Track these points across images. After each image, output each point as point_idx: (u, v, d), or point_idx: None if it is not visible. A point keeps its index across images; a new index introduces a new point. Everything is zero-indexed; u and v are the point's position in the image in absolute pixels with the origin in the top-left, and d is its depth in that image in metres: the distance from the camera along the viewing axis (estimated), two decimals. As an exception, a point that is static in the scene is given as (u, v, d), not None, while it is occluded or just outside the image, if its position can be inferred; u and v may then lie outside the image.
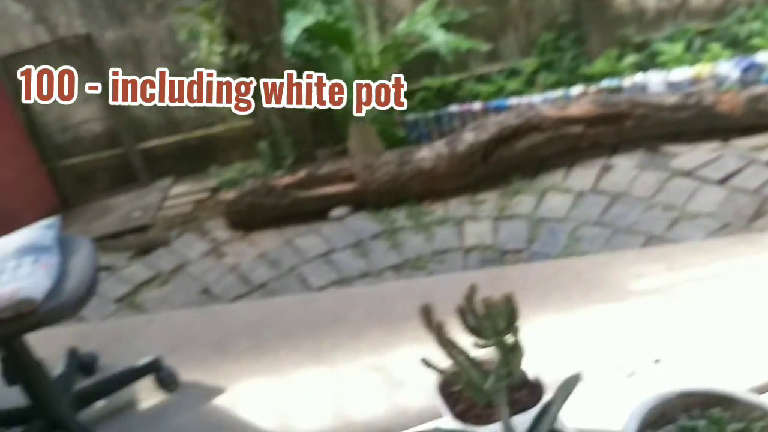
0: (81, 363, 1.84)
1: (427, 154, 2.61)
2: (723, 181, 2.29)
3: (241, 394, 1.63)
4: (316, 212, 2.68)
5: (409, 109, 3.14)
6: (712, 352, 0.77)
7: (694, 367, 0.69)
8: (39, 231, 1.59)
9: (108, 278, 2.56)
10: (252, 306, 2.18)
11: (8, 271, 1.44)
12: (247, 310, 2.14)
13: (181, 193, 3.25)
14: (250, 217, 2.71)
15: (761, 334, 0.80)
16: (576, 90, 2.95)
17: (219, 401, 1.62)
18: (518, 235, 2.28)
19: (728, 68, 2.77)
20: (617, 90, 2.90)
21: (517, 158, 2.62)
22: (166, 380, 1.71)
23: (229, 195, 2.77)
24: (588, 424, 0.57)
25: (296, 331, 1.82)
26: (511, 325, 0.52)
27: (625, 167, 2.53)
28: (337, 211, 2.66)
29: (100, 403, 1.72)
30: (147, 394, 1.72)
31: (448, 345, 0.52)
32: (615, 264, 1.93)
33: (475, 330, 0.53)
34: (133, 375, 1.71)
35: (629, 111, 2.61)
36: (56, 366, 1.72)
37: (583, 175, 2.54)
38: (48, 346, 1.74)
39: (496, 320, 0.52)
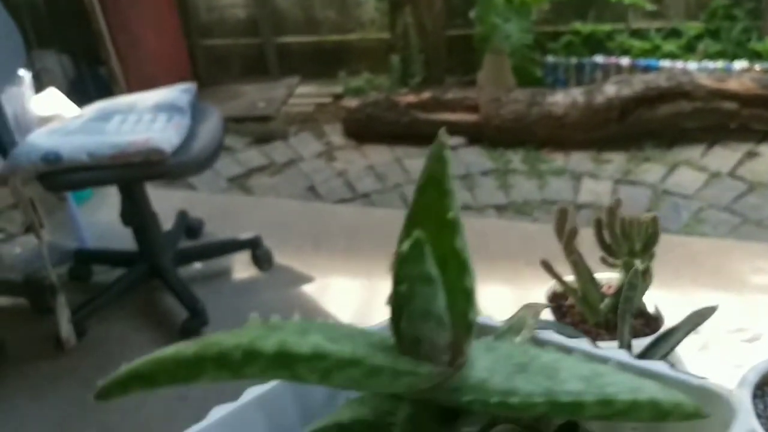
0: (188, 226, 1.96)
1: (560, 99, 2.49)
2: None
3: (328, 286, 1.69)
4: (431, 137, 2.62)
5: (551, 51, 2.99)
6: None
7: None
8: (176, 93, 1.68)
9: (225, 158, 2.68)
10: (353, 211, 2.22)
11: (144, 123, 1.54)
12: (348, 214, 2.18)
13: (306, 94, 3.31)
14: (367, 128, 2.72)
15: None
16: (739, 65, 2.68)
17: (306, 288, 1.69)
18: (638, 202, 2.15)
19: None
20: (786, 73, 2.61)
21: (657, 124, 2.45)
22: (262, 258, 1.79)
23: (351, 103, 2.79)
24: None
25: (390, 244, 1.83)
26: (647, 249, 0.48)
27: (773, 158, 2.31)
28: (452, 140, 2.62)
29: (198, 265, 1.84)
30: (242, 267, 1.82)
31: (574, 253, 0.50)
32: (736, 253, 1.78)
33: (608, 247, 0.50)
34: (234, 246, 1.80)
35: (795, 98, 2.35)
36: (167, 224, 1.84)
37: (723, 156, 2.34)
38: (163, 205, 1.86)
39: (633, 241, 0.49)
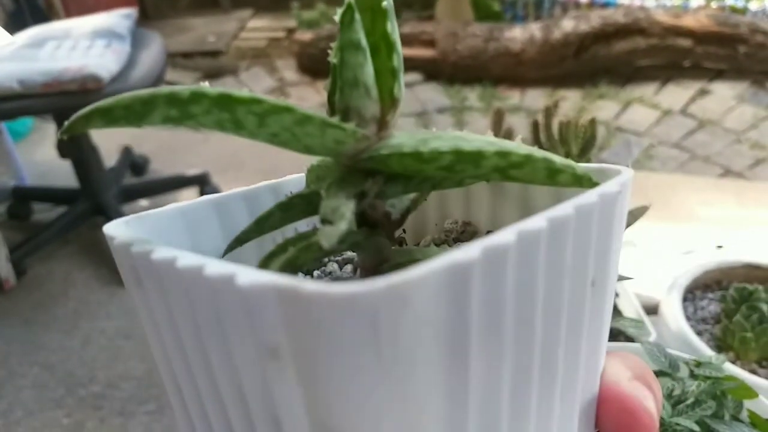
0: (133, 162, 1.89)
1: (518, 35, 2.45)
2: (828, 131, 2.09)
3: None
4: (388, 73, 2.59)
5: (510, -14, 2.93)
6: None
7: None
8: (115, 18, 1.58)
9: (173, 93, 2.58)
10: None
11: (80, 50, 1.45)
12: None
13: (259, 27, 3.19)
14: (322, 63, 2.63)
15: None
16: (696, 2, 2.68)
17: (257, 224, 1.65)
18: (590, 139, 2.17)
19: None
20: (741, 11, 2.62)
21: (612, 60, 2.44)
22: (209, 193, 1.74)
23: (304, 36, 2.69)
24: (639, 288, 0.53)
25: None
26: (585, 153, 0.46)
27: (723, 95, 2.34)
28: (408, 77, 2.57)
29: (144, 202, 1.78)
30: (190, 204, 1.77)
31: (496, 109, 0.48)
32: (683, 187, 1.82)
33: (544, 150, 0.48)
34: (180, 182, 1.75)
35: (747, 36, 2.36)
36: (112, 162, 1.76)
37: (676, 94, 2.35)
38: (108, 142, 1.78)
39: (570, 144, 0.47)
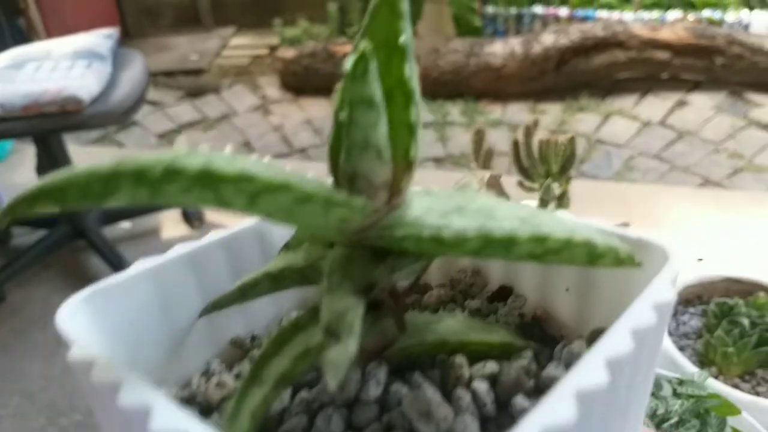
0: (116, 182, 1.87)
1: (499, 49, 2.47)
2: (804, 141, 2.13)
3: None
4: (370, 89, 2.60)
5: (491, 1, 2.96)
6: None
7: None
8: (96, 38, 1.58)
9: (154, 113, 2.56)
10: (289, 166, 2.16)
11: (61, 71, 1.45)
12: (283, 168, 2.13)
13: (241, 45, 3.19)
14: (305, 80, 2.65)
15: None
16: (673, 15, 2.73)
17: (240, 244, 1.64)
18: (572, 152, 2.18)
19: None
20: (717, 23, 2.67)
21: (592, 74, 2.47)
22: (192, 216, 1.73)
23: (287, 53, 2.70)
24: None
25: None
26: (565, 171, 0.47)
27: (701, 106, 2.37)
28: (392, 92, 2.58)
29: (125, 224, 1.77)
30: (171, 225, 1.76)
31: (491, 174, 0.48)
32: (663, 197, 1.84)
33: (524, 170, 0.48)
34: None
35: (723, 48, 2.40)
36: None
37: (655, 106, 2.39)
38: (87, 163, 1.76)
39: (550, 163, 0.47)
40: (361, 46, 0.16)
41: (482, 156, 0.49)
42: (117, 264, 1.51)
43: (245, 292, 0.22)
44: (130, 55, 1.60)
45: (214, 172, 0.14)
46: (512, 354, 0.21)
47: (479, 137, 0.49)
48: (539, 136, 0.49)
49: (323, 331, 0.16)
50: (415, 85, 0.17)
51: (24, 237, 1.72)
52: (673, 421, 0.37)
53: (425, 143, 2.32)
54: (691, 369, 0.54)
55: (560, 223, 0.17)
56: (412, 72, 0.17)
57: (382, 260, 0.18)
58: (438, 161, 2.23)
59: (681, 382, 0.41)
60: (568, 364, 0.20)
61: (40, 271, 1.59)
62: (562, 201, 0.48)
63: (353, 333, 0.15)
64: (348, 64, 0.16)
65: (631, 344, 0.16)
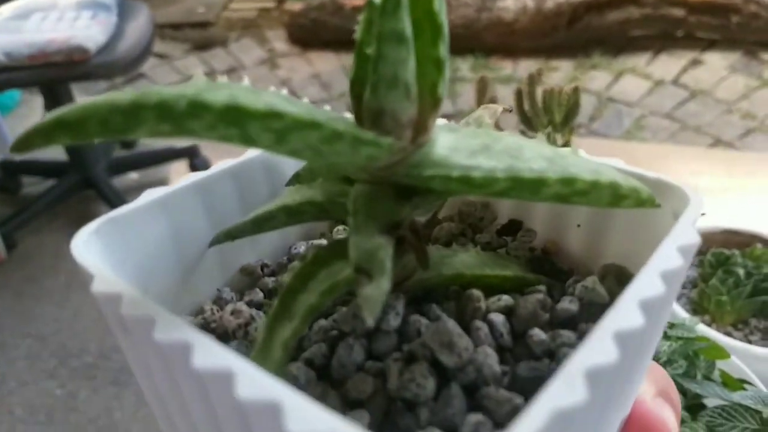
0: (124, 134, 1.88)
1: (510, 4, 2.42)
2: (818, 101, 2.10)
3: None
4: (379, 44, 2.56)
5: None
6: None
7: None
8: (100, -12, 1.56)
9: (161, 66, 2.55)
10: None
11: (66, 21, 1.44)
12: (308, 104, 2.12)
13: (248, -2, 3.14)
14: (312, 33, 2.61)
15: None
16: (689, -29, 2.65)
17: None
18: (583, 109, 2.14)
19: None
20: (735, -20, 2.60)
21: (605, 31, 2.42)
22: (200, 167, 1.74)
23: (295, 6, 2.65)
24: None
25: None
26: (568, 122, 0.47)
27: (715, 66, 2.33)
28: (401, 47, 2.54)
29: (133, 175, 1.78)
30: (179, 177, 1.76)
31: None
32: (673, 157, 1.83)
33: (528, 119, 0.48)
34: (170, 155, 1.74)
35: (740, 5, 2.35)
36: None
37: (668, 64, 2.35)
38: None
39: (554, 113, 0.47)
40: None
41: (486, 103, 0.48)
42: (125, 214, 1.52)
43: (260, 225, 0.22)
44: (136, 6, 1.58)
45: (240, 108, 0.13)
46: (525, 288, 0.22)
47: (482, 86, 0.49)
48: (544, 86, 0.49)
49: (355, 270, 0.16)
50: (444, 18, 0.16)
51: (34, 186, 1.73)
52: (661, 361, 0.38)
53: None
54: (684, 316, 0.55)
55: (586, 163, 0.17)
56: (441, 4, 0.16)
57: (408, 199, 0.18)
58: (447, 117, 2.21)
59: (671, 326, 0.42)
60: (582, 298, 0.21)
61: (51, 219, 1.61)
62: (565, 149, 0.48)
63: (385, 271, 0.15)
64: None
65: (663, 287, 0.16)
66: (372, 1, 0.16)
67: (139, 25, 1.50)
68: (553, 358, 0.18)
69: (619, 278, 0.22)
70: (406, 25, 0.16)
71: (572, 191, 0.16)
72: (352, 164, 0.17)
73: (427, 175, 0.17)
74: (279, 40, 2.71)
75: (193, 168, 1.75)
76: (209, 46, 2.68)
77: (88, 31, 1.38)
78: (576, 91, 0.46)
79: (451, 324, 0.18)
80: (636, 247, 0.22)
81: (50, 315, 1.35)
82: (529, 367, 0.18)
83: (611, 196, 0.17)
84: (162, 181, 1.76)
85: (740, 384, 0.36)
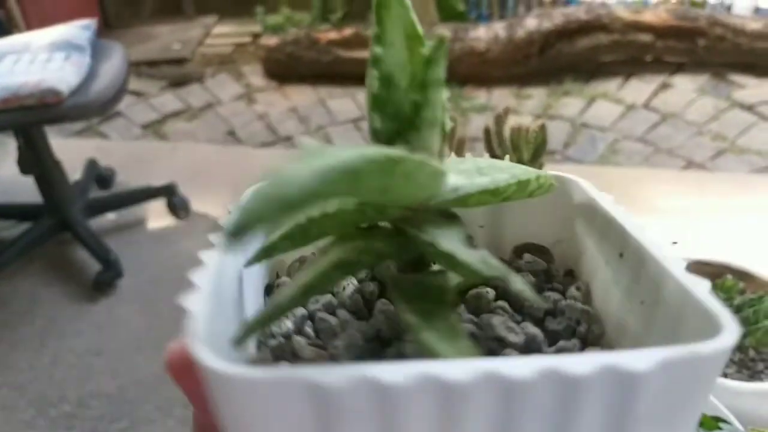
0: (99, 175, 1.86)
1: (483, 34, 2.47)
2: (785, 121, 2.15)
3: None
4: (355, 76, 2.58)
5: (474, -15, 2.95)
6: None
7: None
8: (74, 30, 1.56)
9: (138, 103, 2.54)
10: (275, 155, 2.16)
11: (39, 63, 1.43)
12: (269, 158, 2.12)
13: (224, 33, 3.16)
14: (288, 68, 2.64)
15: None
16: (655, -3, 2.73)
17: (226, 234, 1.64)
18: (557, 136, 2.19)
19: (827, 3, 2.53)
20: (700, 5, 2.67)
21: (576, 57, 2.47)
22: (178, 206, 1.73)
23: (270, 41, 2.68)
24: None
25: (313, 185, 1.80)
26: (536, 159, 0.47)
27: (684, 89, 2.38)
28: (376, 79, 2.57)
29: (111, 216, 1.76)
30: (157, 216, 1.75)
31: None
32: (647, 180, 1.86)
33: (497, 158, 0.49)
34: (147, 194, 1.73)
35: (706, 29, 2.41)
36: (75, 175, 1.74)
37: (639, 89, 2.40)
38: (74, 155, 1.76)
39: (522, 150, 0.48)
40: (439, 35, 0.19)
41: (455, 145, 0.49)
42: (103, 256, 1.50)
43: (308, 293, 0.21)
44: (109, 46, 1.58)
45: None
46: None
47: (451, 127, 0.49)
48: (512, 123, 0.50)
49: (491, 279, 0.19)
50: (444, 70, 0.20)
51: (8, 230, 1.71)
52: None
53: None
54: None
55: (510, 168, 0.22)
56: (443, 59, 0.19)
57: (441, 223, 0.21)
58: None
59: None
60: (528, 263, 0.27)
61: (26, 264, 1.59)
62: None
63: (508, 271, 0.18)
64: (427, 49, 0.19)
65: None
66: (421, 53, 0.19)
67: (113, 65, 1.50)
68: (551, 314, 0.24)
69: (529, 248, 0.28)
70: (443, 72, 0.19)
71: (516, 189, 0.22)
72: (419, 195, 0.19)
73: (467, 193, 0.21)
74: (255, 75, 2.72)
75: (171, 207, 1.74)
76: (185, 83, 2.69)
77: (61, 73, 1.37)
78: (542, 128, 0.47)
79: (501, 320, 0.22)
80: (536, 228, 0.29)
81: (26, 363, 1.32)
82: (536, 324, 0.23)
83: (534, 189, 0.23)
84: (140, 222, 1.75)
85: (715, 423, 0.36)
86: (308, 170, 0.14)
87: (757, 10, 2.61)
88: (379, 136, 0.20)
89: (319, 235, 0.21)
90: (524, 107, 2.35)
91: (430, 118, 0.19)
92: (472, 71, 2.48)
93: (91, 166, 1.84)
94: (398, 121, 0.20)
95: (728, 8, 2.65)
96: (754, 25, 2.40)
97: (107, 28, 3.35)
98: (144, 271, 1.55)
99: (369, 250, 0.21)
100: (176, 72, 2.80)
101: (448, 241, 0.19)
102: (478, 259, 0.18)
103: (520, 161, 0.48)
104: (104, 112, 1.47)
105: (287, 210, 0.14)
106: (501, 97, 2.44)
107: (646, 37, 2.43)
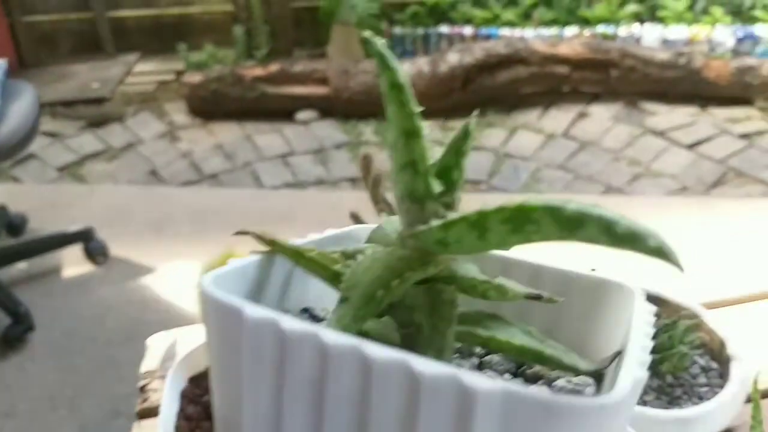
0: (9, 222, 1.77)
1: (407, 69, 2.50)
2: (692, 146, 2.26)
3: (169, 274, 1.59)
4: (281, 112, 2.58)
5: (398, 22, 3.01)
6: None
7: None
8: (-22, 71, 1.49)
9: (53, 145, 2.45)
10: (199, 193, 2.11)
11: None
12: (193, 196, 2.07)
13: (146, 71, 3.10)
14: (213, 105, 2.60)
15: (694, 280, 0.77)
16: (570, 31, 2.86)
17: (147, 279, 1.58)
18: (481, 167, 2.23)
19: (725, 35, 2.70)
20: (611, 38, 2.81)
21: (497, 90, 2.54)
22: (96, 251, 1.65)
23: (194, 78, 2.64)
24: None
25: (241, 223, 1.76)
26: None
27: (600, 117, 2.49)
28: (303, 114, 2.56)
29: (22, 265, 1.66)
30: (73, 263, 1.67)
31: (380, 201, 0.48)
32: (571, 208, 1.91)
33: (378, 203, 0.49)
34: (62, 240, 1.65)
35: (618, 60, 2.54)
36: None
37: (558, 118, 2.48)
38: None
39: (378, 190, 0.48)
40: (470, 123, 0.27)
41: (371, 182, 0.48)
42: (12, 309, 1.42)
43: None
44: (20, 87, 1.51)
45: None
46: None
47: (366, 163, 0.49)
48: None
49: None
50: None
51: None
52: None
53: (339, 164, 2.31)
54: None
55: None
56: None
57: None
58: (353, 181, 2.24)
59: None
60: None
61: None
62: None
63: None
64: (452, 138, 0.28)
65: None
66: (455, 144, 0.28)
67: (22, 106, 1.44)
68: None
69: None
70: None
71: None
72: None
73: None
74: (179, 113, 2.67)
75: (88, 253, 1.66)
76: (105, 123, 2.61)
77: (-36, 117, 1.30)
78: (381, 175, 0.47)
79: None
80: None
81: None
82: None
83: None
84: (54, 270, 1.66)
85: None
86: None
87: (665, 42, 2.77)
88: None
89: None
90: (449, 139, 2.39)
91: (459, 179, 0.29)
92: (398, 105, 2.51)
93: (0, 212, 1.74)
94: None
95: (638, 40, 2.80)
96: (662, 56, 2.54)
97: (22, 67, 3.22)
98: (58, 323, 1.47)
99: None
100: (95, 112, 2.71)
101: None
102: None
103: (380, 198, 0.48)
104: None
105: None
106: (427, 129, 2.47)
107: (562, 69, 2.53)
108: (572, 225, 0.21)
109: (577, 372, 0.28)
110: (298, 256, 0.29)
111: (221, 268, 0.26)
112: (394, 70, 0.25)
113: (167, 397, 0.36)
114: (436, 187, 0.26)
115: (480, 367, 0.30)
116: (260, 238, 0.30)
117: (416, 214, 0.26)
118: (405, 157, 0.25)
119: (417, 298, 0.27)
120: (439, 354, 0.26)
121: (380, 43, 0.24)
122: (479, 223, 0.22)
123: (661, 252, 0.20)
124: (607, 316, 0.32)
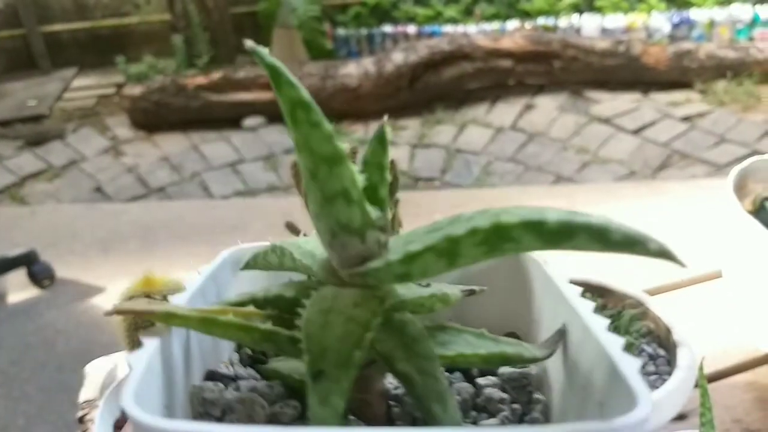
0: (-55, 250, 1.68)
1: (353, 70, 2.50)
2: (637, 131, 2.32)
3: (119, 293, 1.54)
4: (227, 119, 2.53)
5: (341, 23, 2.99)
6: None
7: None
8: None
9: (-9, 166, 2.35)
10: (146, 207, 2.05)
11: None
12: (140, 211, 2.01)
13: (85, 86, 3.00)
14: (156, 116, 2.53)
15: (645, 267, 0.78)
16: (512, 25, 2.89)
17: (96, 299, 1.52)
18: (434, 163, 2.24)
19: (661, 21, 2.78)
20: (552, 29, 2.86)
21: (444, 87, 2.56)
22: (40, 275, 1.59)
23: (134, 90, 2.57)
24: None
25: (191, 235, 1.72)
26: (391, 196, 0.46)
27: (546, 108, 2.52)
28: (250, 121, 2.52)
29: (-38, 293, 1.59)
30: (17, 288, 1.60)
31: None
32: (522, 198, 1.93)
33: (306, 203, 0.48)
34: (3, 265, 1.57)
35: (560, 51, 2.58)
36: None
37: (505, 112, 2.51)
38: None
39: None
40: (382, 133, 0.24)
41: (304, 189, 0.46)
42: (-50, 342, 1.34)
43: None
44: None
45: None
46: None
47: (297, 171, 0.47)
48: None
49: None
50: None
51: None
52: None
53: (287, 167, 2.28)
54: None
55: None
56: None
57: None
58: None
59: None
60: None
61: None
62: (393, 224, 0.47)
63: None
64: (368, 152, 0.24)
65: None
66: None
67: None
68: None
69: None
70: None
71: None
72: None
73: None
74: (121, 127, 2.59)
75: (32, 276, 1.59)
76: (44, 141, 2.51)
77: None
78: (392, 164, 0.45)
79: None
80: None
81: None
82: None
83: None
84: (-3, 296, 1.59)
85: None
86: None
87: (604, 30, 2.83)
88: None
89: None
90: (401, 138, 2.39)
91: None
92: (347, 107, 2.50)
93: (-66, 241, 1.66)
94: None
95: (578, 30, 2.86)
96: (602, 45, 2.60)
97: (-49, 88, 3.09)
98: (5, 351, 1.40)
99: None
100: (33, 130, 2.61)
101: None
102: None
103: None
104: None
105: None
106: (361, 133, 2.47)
107: (506, 63, 2.56)
108: (559, 238, 0.20)
109: (536, 361, 0.27)
110: (209, 324, 0.24)
111: (134, 377, 0.22)
112: (293, 85, 0.20)
113: (99, 429, 0.34)
114: (374, 213, 0.23)
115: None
116: (153, 316, 0.25)
117: (355, 248, 0.23)
118: (332, 187, 0.22)
119: (387, 343, 0.24)
120: (443, 403, 0.23)
121: (266, 52, 0.20)
122: (449, 250, 0.20)
123: (664, 254, 0.19)
124: (523, 290, 0.32)
